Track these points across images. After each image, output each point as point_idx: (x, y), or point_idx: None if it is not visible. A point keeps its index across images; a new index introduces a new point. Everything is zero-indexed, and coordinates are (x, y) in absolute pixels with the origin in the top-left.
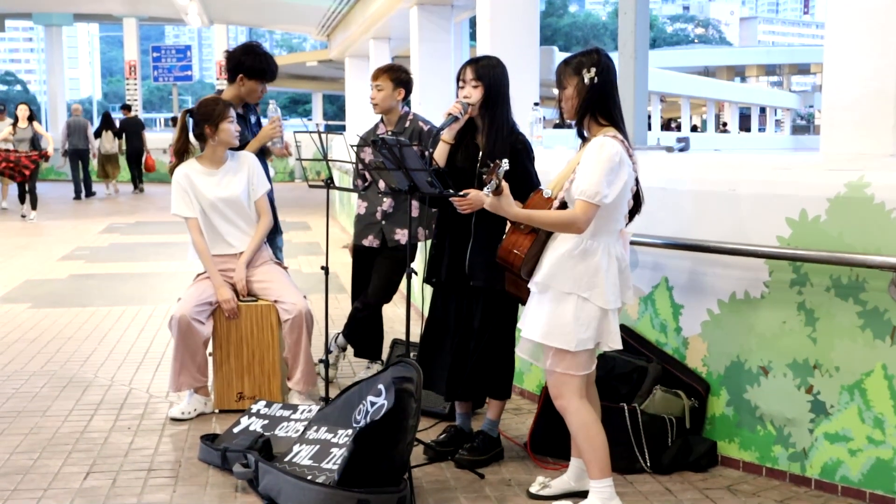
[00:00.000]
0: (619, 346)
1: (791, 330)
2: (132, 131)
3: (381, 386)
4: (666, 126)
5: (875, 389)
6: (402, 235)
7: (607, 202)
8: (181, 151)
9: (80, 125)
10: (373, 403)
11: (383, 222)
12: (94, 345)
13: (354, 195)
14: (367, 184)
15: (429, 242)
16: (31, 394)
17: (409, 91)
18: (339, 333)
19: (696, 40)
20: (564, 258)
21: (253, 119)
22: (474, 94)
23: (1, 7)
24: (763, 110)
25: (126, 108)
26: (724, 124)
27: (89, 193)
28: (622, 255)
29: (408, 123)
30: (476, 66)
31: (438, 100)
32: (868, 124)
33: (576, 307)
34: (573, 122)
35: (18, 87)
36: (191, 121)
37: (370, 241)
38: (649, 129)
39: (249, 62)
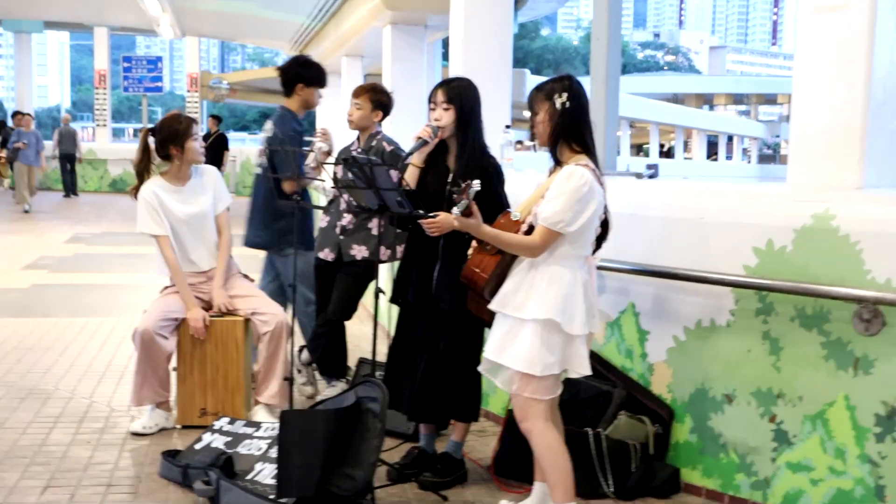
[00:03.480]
0: (588, 372)
1: (756, 358)
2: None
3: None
4: (637, 151)
5: (837, 420)
6: (358, 251)
7: (570, 230)
8: (142, 171)
9: (69, 133)
10: None
11: (341, 237)
12: (56, 356)
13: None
14: (330, 199)
15: (395, 263)
16: None
17: (386, 114)
18: (303, 348)
19: (665, 67)
20: (531, 283)
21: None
22: (445, 116)
23: None
24: (730, 138)
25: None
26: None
27: (75, 193)
28: (588, 282)
29: (374, 142)
30: (447, 87)
31: (410, 118)
32: (835, 156)
33: (542, 331)
34: (545, 148)
35: None
36: (152, 140)
37: (325, 254)
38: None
39: (307, 72)
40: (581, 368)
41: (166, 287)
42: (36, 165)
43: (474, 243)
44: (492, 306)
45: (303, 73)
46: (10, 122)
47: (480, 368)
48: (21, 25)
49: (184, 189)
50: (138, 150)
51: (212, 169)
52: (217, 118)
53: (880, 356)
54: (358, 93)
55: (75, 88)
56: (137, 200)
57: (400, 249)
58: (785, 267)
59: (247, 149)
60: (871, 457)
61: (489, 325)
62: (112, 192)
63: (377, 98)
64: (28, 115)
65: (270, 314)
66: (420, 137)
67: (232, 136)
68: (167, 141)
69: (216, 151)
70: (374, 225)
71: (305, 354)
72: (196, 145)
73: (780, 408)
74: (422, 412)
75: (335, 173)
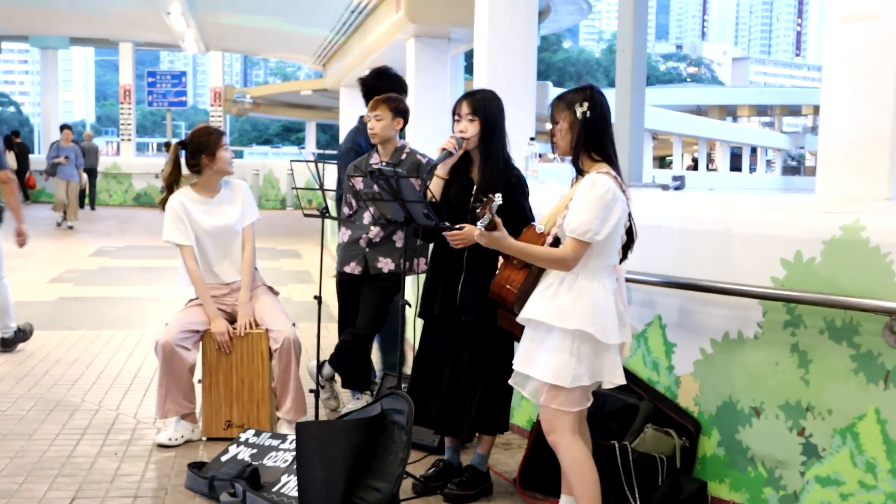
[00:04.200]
0: (622, 382)
1: (784, 371)
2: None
3: None
4: (660, 164)
5: (868, 433)
6: (384, 264)
7: (598, 239)
8: (171, 183)
9: (92, 148)
10: None
11: (367, 250)
12: (82, 369)
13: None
14: (353, 212)
15: (420, 276)
16: (18, 417)
17: (406, 120)
18: (324, 362)
19: (688, 79)
20: (559, 295)
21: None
22: (470, 128)
23: None
24: (754, 150)
25: (16, 134)
26: (712, 162)
27: (93, 207)
28: (617, 290)
29: (404, 155)
30: (472, 99)
31: (434, 131)
32: (864, 167)
33: (571, 342)
34: (564, 158)
35: (12, 109)
36: (183, 152)
37: (352, 267)
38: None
39: (381, 83)
40: (615, 378)
41: (191, 300)
42: (74, 181)
43: (502, 258)
44: (520, 318)
45: (377, 85)
46: (59, 137)
47: (511, 381)
48: (47, 42)
49: (212, 201)
50: (168, 163)
51: (242, 183)
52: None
53: None
54: (375, 105)
55: (100, 104)
56: (165, 210)
57: (420, 262)
58: (813, 279)
59: (269, 162)
60: None
61: (517, 337)
62: (136, 206)
63: (395, 106)
64: (69, 128)
65: (278, 331)
66: (444, 149)
67: (255, 150)
68: (199, 151)
69: None
70: (398, 237)
71: (327, 369)
72: (227, 155)
73: (808, 421)
74: (448, 425)
75: (351, 185)
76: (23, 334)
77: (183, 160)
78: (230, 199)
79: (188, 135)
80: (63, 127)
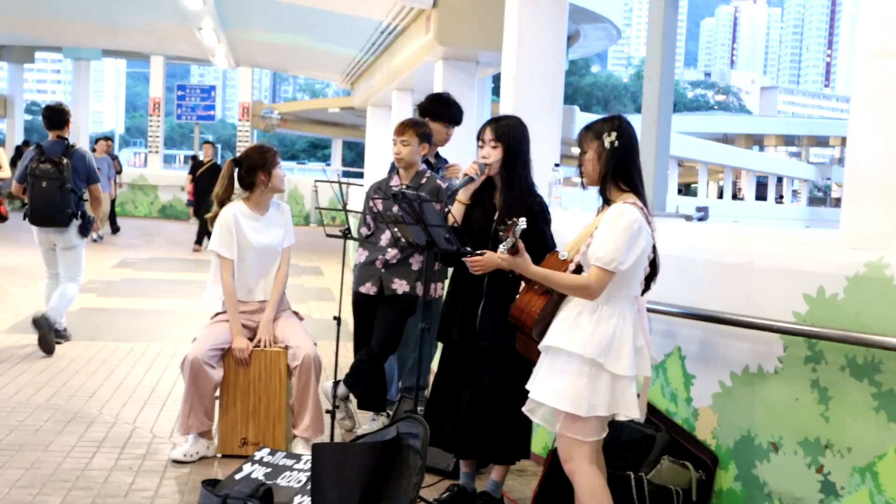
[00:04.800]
0: (636, 416)
1: (804, 407)
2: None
3: None
4: (685, 190)
5: (887, 473)
6: (399, 285)
7: (623, 269)
8: (224, 201)
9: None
10: None
11: (383, 270)
12: (101, 380)
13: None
14: (370, 232)
15: (441, 300)
16: (35, 427)
17: (430, 144)
18: (338, 382)
19: (715, 107)
20: (579, 322)
21: (442, 173)
22: (493, 153)
23: (32, 39)
24: (780, 180)
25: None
26: (739, 191)
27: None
28: (637, 322)
29: (424, 180)
30: (496, 125)
31: (460, 154)
32: (889, 204)
33: (589, 372)
34: (591, 187)
35: None
36: (236, 169)
37: (367, 288)
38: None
39: (432, 107)
40: (630, 411)
41: (217, 313)
42: (106, 191)
43: (523, 283)
44: (541, 345)
45: (428, 107)
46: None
47: (527, 412)
48: (80, 53)
49: (262, 219)
50: (222, 179)
51: (286, 206)
52: (212, 144)
53: None
54: (403, 130)
55: (129, 115)
56: (216, 222)
57: (438, 287)
58: (836, 315)
59: (295, 178)
60: None
61: (534, 363)
62: (161, 217)
63: (422, 131)
64: (107, 139)
65: (298, 347)
66: (466, 174)
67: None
68: (254, 168)
69: (208, 182)
70: (415, 261)
71: (342, 389)
72: (281, 173)
73: (827, 458)
74: (465, 447)
75: (370, 206)
76: (63, 335)
77: (237, 177)
78: (277, 220)
79: (243, 152)
80: (99, 139)
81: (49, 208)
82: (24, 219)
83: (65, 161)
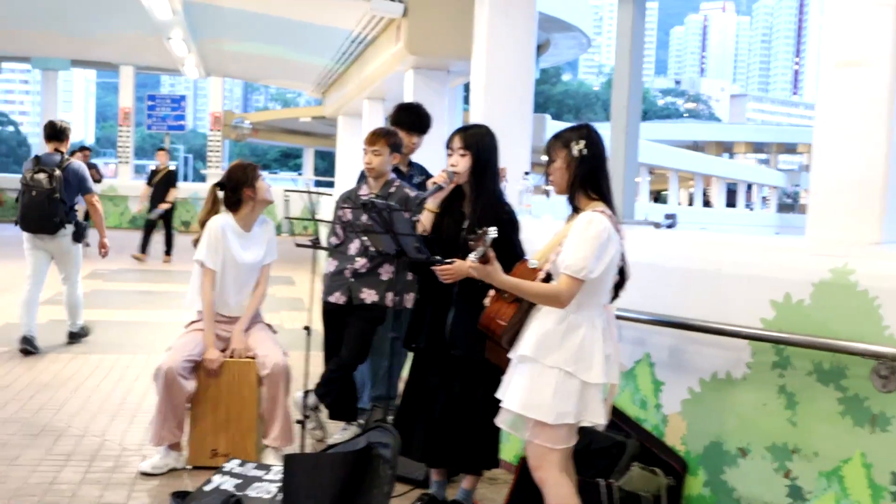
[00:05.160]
0: (601, 421)
1: (771, 412)
2: None
3: None
4: (655, 198)
5: (853, 477)
6: (367, 295)
7: (592, 277)
8: (205, 222)
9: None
10: None
11: (352, 280)
12: (70, 393)
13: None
14: (339, 242)
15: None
16: (1, 441)
17: (401, 154)
18: (308, 392)
19: (685, 114)
20: (548, 331)
21: (417, 180)
22: (462, 162)
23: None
24: (750, 187)
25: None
26: (709, 198)
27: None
28: (607, 330)
29: (393, 189)
30: (465, 134)
31: (430, 162)
32: (855, 211)
33: (557, 380)
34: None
35: (11, 128)
36: (221, 193)
37: (336, 297)
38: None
39: (399, 116)
40: (596, 417)
41: (192, 322)
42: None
43: (492, 291)
44: (511, 354)
45: (394, 115)
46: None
47: (499, 423)
48: (49, 63)
49: (247, 235)
50: (206, 204)
51: (270, 223)
52: (166, 151)
53: None
54: (374, 140)
55: (99, 125)
56: (204, 231)
57: (409, 297)
58: (802, 321)
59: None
60: None
61: (504, 371)
62: (131, 228)
63: (393, 142)
64: (86, 149)
65: (267, 356)
66: (436, 183)
67: None
68: (239, 186)
69: (163, 189)
70: (384, 271)
71: (312, 398)
72: (265, 184)
73: (795, 463)
74: (437, 456)
75: (339, 216)
76: (84, 331)
77: (221, 199)
78: (260, 238)
79: (224, 174)
80: (76, 150)
81: (38, 216)
82: (15, 224)
83: (57, 173)
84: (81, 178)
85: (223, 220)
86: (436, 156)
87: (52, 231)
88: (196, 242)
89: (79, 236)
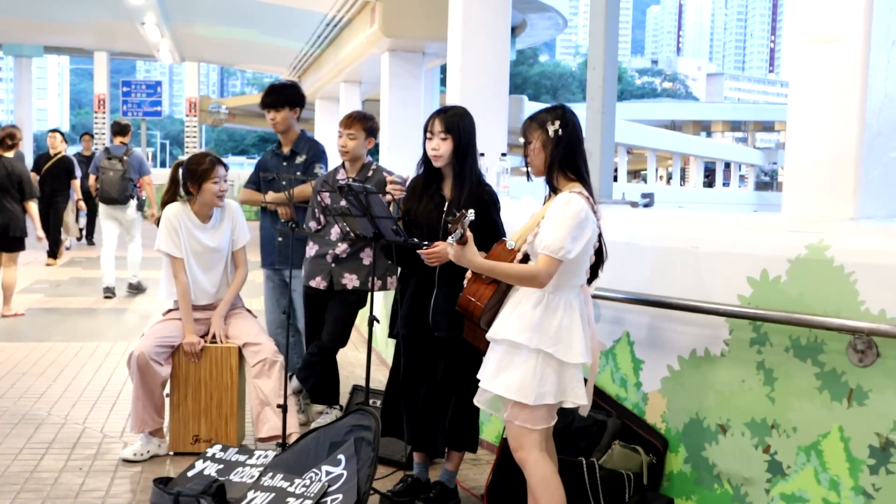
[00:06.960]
0: (583, 402)
1: (750, 389)
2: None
3: (341, 456)
4: (634, 177)
5: (831, 451)
6: (349, 280)
7: (570, 258)
8: (167, 203)
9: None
10: (328, 473)
11: (333, 265)
12: (50, 381)
13: None
14: (320, 227)
15: (388, 292)
16: None
17: (376, 139)
18: (291, 376)
19: (663, 94)
20: (526, 312)
21: (300, 159)
22: (443, 146)
23: None
24: (728, 165)
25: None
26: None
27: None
28: (584, 311)
29: (371, 172)
30: (445, 117)
31: (408, 145)
32: (830, 187)
33: (536, 361)
34: (538, 178)
35: None
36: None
37: (317, 282)
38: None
39: (279, 98)
40: (577, 398)
41: (169, 310)
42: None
43: (470, 272)
44: (488, 336)
45: (272, 101)
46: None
47: (478, 402)
48: (22, 50)
49: (204, 226)
50: (168, 181)
51: (233, 203)
52: (59, 133)
53: (874, 387)
54: (350, 123)
55: (74, 112)
56: (161, 220)
57: (391, 280)
58: (779, 297)
59: (245, 173)
60: (865, 489)
61: (482, 351)
62: None
63: (369, 126)
64: (88, 135)
65: (259, 345)
66: (394, 197)
67: (231, 160)
68: (186, 178)
69: (57, 179)
70: (365, 255)
71: (295, 383)
72: (215, 188)
73: (774, 438)
74: (423, 440)
75: (319, 200)
76: (140, 286)
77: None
78: (221, 220)
79: (188, 157)
80: (84, 134)
81: (112, 192)
82: (94, 198)
83: (125, 158)
84: (142, 163)
85: (178, 207)
86: (414, 137)
87: (123, 202)
88: (157, 221)
89: (140, 206)
